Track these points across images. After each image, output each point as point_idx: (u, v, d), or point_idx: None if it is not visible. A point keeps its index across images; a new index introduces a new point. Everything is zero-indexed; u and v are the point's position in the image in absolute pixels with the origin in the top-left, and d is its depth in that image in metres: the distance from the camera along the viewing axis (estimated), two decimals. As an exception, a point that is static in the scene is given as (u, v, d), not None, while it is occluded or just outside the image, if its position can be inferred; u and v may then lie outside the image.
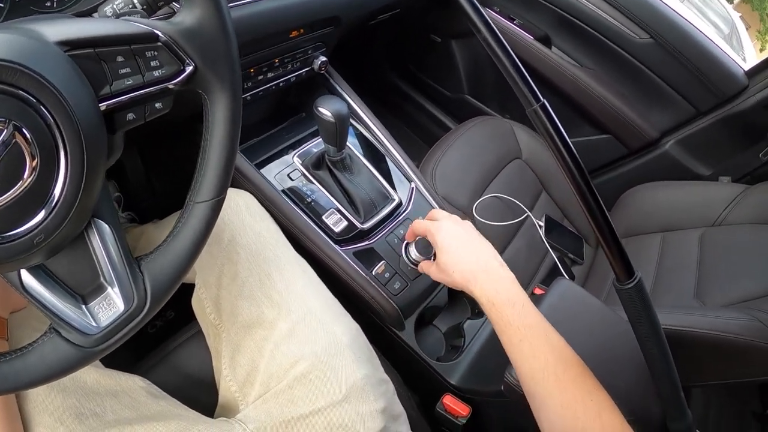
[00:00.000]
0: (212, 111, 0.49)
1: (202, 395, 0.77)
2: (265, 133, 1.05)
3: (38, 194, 0.39)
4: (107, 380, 0.65)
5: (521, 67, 0.60)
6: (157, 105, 0.48)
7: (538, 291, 1.06)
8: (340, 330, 0.71)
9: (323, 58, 1.02)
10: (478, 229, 1.16)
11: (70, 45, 0.41)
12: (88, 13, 0.61)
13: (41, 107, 0.38)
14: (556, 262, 1.25)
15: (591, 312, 0.86)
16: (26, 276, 0.44)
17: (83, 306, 0.46)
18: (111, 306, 0.47)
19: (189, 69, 0.47)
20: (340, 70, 1.11)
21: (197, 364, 0.80)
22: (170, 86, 0.47)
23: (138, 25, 0.45)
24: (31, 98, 0.37)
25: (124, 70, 0.44)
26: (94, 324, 0.45)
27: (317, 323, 0.70)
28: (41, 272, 0.44)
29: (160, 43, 0.45)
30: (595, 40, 1.38)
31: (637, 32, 1.32)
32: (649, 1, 1.31)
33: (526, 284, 1.19)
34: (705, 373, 0.96)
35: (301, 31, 0.93)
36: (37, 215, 0.39)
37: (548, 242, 1.28)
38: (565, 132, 1.63)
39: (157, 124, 0.49)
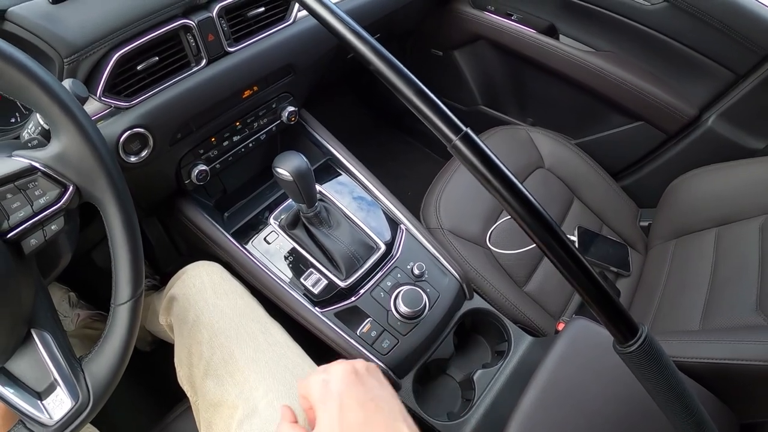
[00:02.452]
0: (107, 220, 0.58)
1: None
2: (252, 193, 1.12)
3: None
4: None
5: (432, 96, 0.54)
6: (53, 227, 0.57)
7: (561, 327, 1.03)
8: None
9: (291, 108, 1.08)
10: (495, 259, 1.17)
11: None
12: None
13: None
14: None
15: (613, 360, 0.82)
16: None
17: (40, 402, 0.57)
18: (62, 402, 0.57)
19: (70, 189, 0.56)
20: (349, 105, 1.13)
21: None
22: (61, 207, 0.56)
23: (20, 160, 0.54)
24: None
25: (15, 205, 0.54)
26: (50, 418, 0.57)
27: (279, 400, 0.74)
28: (3, 375, 0.57)
29: (38, 174, 0.54)
30: (605, 18, 1.34)
31: None
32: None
33: (558, 316, 1.16)
34: None
35: (255, 88, 1.00)
36: None
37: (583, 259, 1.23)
38: (592, 127, 1.56)
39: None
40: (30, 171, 0.53)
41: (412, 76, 0.51)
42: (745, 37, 1.20)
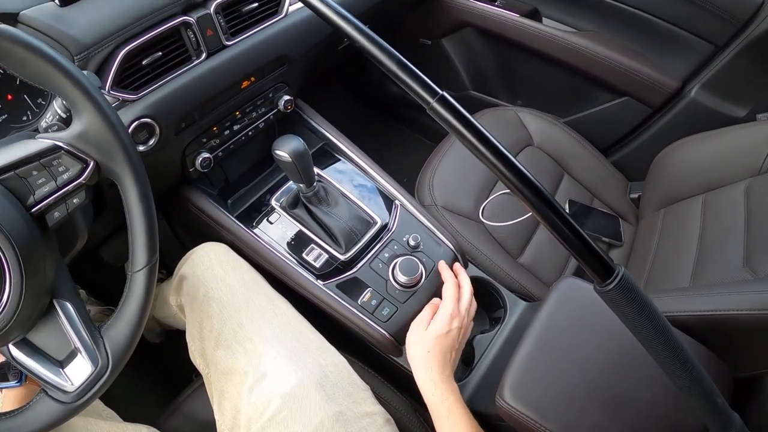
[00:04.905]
0: (124, 192, 0.64)
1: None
2: (253, 181, 1.19)
3: None
4: (115, 429, 0.84)
5: (409, 64, 0.57)
6: (75, 200, 0.64)
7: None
8: (312, 368, 0.81)
9: (287, 97, 1.15)
10: (488, 232, 1.24)
11: None
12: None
13: None
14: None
15: (601, 311, 0.87)
16: (14, 350, 0.62)
17: (61, 370, 0.62)
18: (82, 368, 0.63)
19: (91, 164, 0.62)
20: (340, 93, 1.18)
21: (204, 411, 0.94)
22: (82, 182, 0.62)
23: (44, 141, 0.61)
24: None
25: (40, 180, 0.60)
26: (70, 384, 0.62)
27: (287, 364, 0.81)
28: (26, 345, 0.62)
29: (62, 151, 0.60)
30: None
31: None
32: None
33: (552, 283, 1.22)
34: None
35: (252, 79, 1.06)
36: None
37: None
38: (580, 105, 1.63)
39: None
40: (54, 150, 0.59)
41: (391, 48, 0.57)
42: (721, 8, 1.26)
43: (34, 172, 0.60)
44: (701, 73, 1.37)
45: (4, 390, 0.77)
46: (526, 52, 1.54)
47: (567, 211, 1.32)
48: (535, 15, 1.51)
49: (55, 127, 0.71)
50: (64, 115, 0.72)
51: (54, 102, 0.73)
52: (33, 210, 0.60)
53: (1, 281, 0.56)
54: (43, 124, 0.75)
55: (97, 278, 1.43)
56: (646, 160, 1.44)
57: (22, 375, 0.77)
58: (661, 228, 1.28)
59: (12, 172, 0.59)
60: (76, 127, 0.61)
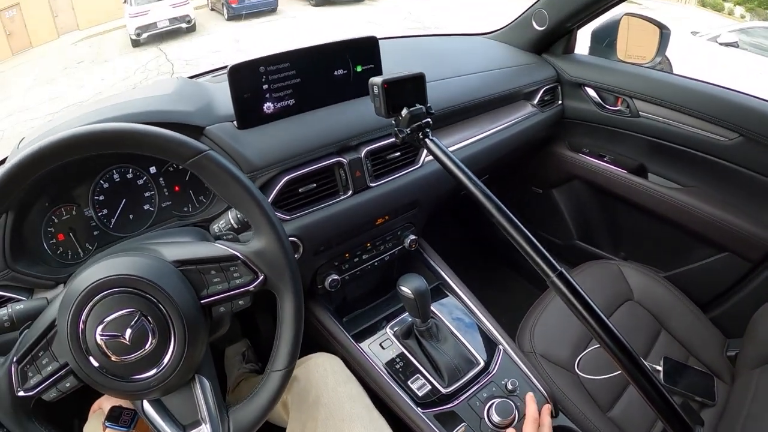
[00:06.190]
0: (281, 305, 0.75)
1: None
2: (369, 305, 1.30)
3: (155, 357, 0.67)
4: None
5: (534, 240, 0.73)
6: (240, 302, 0.75)
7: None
8: None
9: (412, 237, 1.27)
10: (581, 384, 1.22)
11: (180, 263, 0.72)
12: (206, 222, 0.95)
13: (159, 304, 0.67)
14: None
15: None
16: (146, 405, 0.73)
17: None
18: None
19: (261, 278, 0.74)
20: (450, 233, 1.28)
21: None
22: (250, 289, 0.74)
23: (225, 248, 0.73)
24: (152, 298, 0.67)
25: (216, 279, 0.72)
26: None
27: None
28: (157, 404, 0.73)
29: (239, 261, 0.73)
30: (689, 156, 1.44)
31: (725, 134, 1.35)
32: (727, 98, 1.36)
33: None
34: None
35: (386, 217, 1.19)
36: (152, 369, 0.67)
37: (668, 387, 1.25)
38: (681, 259, 1.64)
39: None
40: (233, 258, 0.72)
41: (524, 228, 0.72)
42: None
43: (212, 272, 0.72)
44: (800, 226, 1.33)
45: (108, 429, 0.84)
46: (631, 206, 1.58)
47: (661, 368, 1.29)
48: (641, 171, 1.55)
49: (230, 236, 0.85)
50: (236, 226, 0.86)
51: (229, 212, 0.87)
52: (204, 300, 0.72)
53: (164, 350, 0.67)
54: (216, 228, 0.88)
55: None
56: (744, 317, 1.37)
57: (132, 422, 0.85)
58: (756, 388, 1.19)
59: (194, 266, 0.72)
60: (255, 244, 0.73)
